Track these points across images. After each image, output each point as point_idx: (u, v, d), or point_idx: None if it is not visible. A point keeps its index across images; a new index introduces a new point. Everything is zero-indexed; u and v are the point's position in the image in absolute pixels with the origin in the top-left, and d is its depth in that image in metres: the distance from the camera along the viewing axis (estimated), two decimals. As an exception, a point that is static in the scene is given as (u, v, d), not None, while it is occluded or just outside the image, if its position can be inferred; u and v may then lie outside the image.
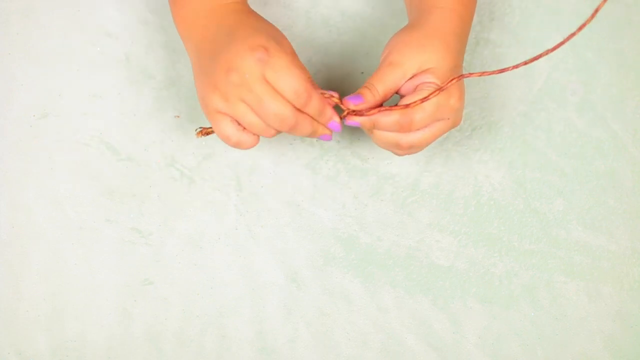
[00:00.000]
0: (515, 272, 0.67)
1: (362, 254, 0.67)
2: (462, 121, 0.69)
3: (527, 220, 0.68)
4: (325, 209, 0.68)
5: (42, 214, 0.67)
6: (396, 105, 0.60)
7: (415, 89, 0.60)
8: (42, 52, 0.69)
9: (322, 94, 0.59)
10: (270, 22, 0.61)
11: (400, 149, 0.62)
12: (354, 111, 0.60)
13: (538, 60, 0.70)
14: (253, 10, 0.62)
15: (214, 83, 0.58)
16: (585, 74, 0.71)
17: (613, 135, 0.70)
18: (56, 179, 0.67)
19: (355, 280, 0.67)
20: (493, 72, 0.60)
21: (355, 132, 0.69)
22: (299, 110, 0.58)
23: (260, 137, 0.59)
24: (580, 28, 0.59)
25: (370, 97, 0.60)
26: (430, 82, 0.59)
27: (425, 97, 0.59)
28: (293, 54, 0.59)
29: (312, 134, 0.60)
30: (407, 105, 0.59)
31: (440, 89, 0.59)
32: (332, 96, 0.60)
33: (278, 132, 0.59)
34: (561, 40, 0.71)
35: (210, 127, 0.61)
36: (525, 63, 0.60)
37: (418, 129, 0.60)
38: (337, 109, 0.60)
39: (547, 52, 0.60)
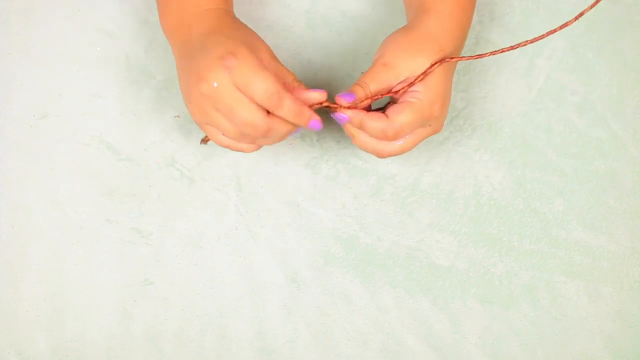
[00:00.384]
0: (515, 272, 0.67)
1: (362, 254, 0.67)
2: (462, 121, 0.69)
3: (527, 220, 0.68)
4: (325, 209, 0.68)
5: (42, 214, 0.67)
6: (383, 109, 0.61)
7: (404, 93, 0.61)
8: (42, 52, 0.69)
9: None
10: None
11: (380, 156, 0.63)
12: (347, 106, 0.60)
13: (538, 60, 0.71)
14: (233, 16, 0.62)
15: (188, 95, 0.58)
16: (585, 74, 0.71)
17: (613, 135, 0.70)
18: (56, 179, 0.67)
19: (355, 280, 0.67)
20: (471, 57, 0.61)
21: (355, 132, 0.69)
22: (273, 115, 0.57)
23: None
24: (561, 27, 0.59)
25: (362, 94, 0.60)
26: (417, 92, 0.60)
27: (411, 83, 0.60)
28: (270, 56, 0.59)
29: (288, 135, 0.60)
30: (383, 110, 0.61)
31: (425, 73, 0.60)
32: (320, 96, 0.60)
33: (257, 144, 0.60)
34: (562, 40, 0.72)
35: None
36: (503, 51, 0.60)
37: (401, 138, 0.61)
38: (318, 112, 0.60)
39: (525, 43, 0.59)
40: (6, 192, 0.67)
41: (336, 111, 0.60)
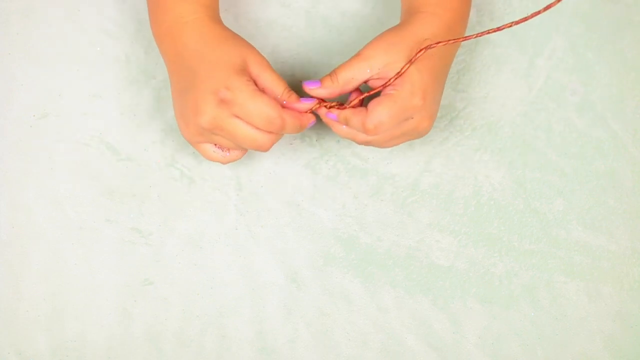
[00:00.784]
0: (515, 272, 0.67)
1: (362, 254, 0.67)
2: (462, 121, 0.69)
3: (527, 220, 0.68)
4: (325, 209, 0.68)
5: (42, 214, 0.67)
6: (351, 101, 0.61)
7: (385, 86, 0.61)
8: (42, 52, 0.69)
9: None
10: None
11: (357, 143, 0.63)
12: (335, 105, 0.61)
13: (538, 60, 0.71)
14: (219, 26, 0.61)
15: (186, 120, 0.60)
16: (585, 74, 0.71)
17: (613, 135, 0.70)
18: (56, 179, 0.67)
19: (355, 280, 0.67)
20: (449, 41, 0.60)
21: (355, 132, 0.69)
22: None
23: None
24: (546, 8, 0.58)
25: (329, 83, 0.61)
26: (395, 84, 0.60)
27: (397, 74, 0.60)
28: (260, 67, 0.59)
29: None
30: (357, 102, 0.61)
31: (410, 62, 0.59)
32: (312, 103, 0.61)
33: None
34: (562, 40, 0.72)
35: None
36: (488, 32, 0.58)
37: (382, 131, 0.60)
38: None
39: (510, 25, 0.58)
40: (6, 192, 0.67)
41: (323, 107, 0.61)
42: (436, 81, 0.61)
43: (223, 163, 0.63)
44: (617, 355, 0.67)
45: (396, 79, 0.60)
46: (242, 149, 0.62)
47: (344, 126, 0.62)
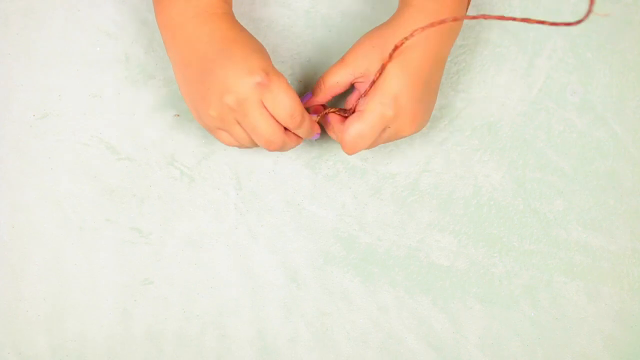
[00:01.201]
0: (515, 272, 0.67)
1: (362, 254, 0.67)
2: (462, 121, 0.69)
3: (527, 220, 0.68)
4: (325, 208, 0.68)
5: (42, 214, 0.67)
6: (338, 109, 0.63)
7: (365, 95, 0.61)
8: (42, 52, 0.69)
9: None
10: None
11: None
12: (337, 111, 0.63)
13: (538, 60, 0.71)
14: (240, 24, 0.61)
15: (207, 102, 0.58)
16: (585, 74, 0.71)
17: (613, 135, 0.70)
18: (56, 179, 0.67)
19: (355, 280, 0.67)
20: (424, 28, 0.57)
21: (355, 132, 0.69)
22: (289, 131, 0.60)
23: None
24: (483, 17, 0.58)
25: (317, 91, 0.62)
26: (368, 96, 0.59)
27: (371, 82, 0.59)
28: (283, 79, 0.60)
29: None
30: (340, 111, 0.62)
31: (390, 57, 0.58)
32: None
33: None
34: (562, 40, 0.72)
35: None
36: (465, 17, 0.55)
37: (361, 147, 0.61)
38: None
39: (486, 17, 0.55)
40: (6, 192, 0.67)
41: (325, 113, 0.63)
42: (418, 82, 0.59)
43: (236, 146, 0.62)
44: (617, 355, 0.67)
45: (375, 81, 0.59)
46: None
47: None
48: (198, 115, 0.60)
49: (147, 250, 0.67)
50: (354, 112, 0.62)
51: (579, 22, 0.54)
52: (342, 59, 0.61)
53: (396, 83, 0.58)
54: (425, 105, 0.61)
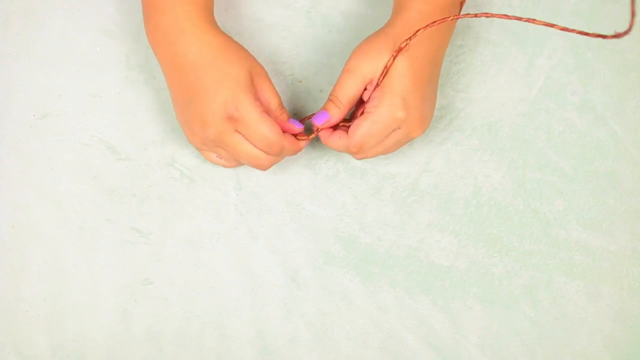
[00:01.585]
0: (515, 272, 0.67)
1: (362, 254, 0.67)
2: (462, 121, 0.69)
3: (527, 220, 0.68)
4: (325, 208, 0.68)
5: (42, 214, 0.67)
6: (348, 121, 0.63)
7: (369, 100, 0.61)
8: (42, 52, 0.69)
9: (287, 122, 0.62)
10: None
11: (356, 159, 0.64)
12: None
13: (538, 60, 0.71)
14: (214, 32, 0.60)
15: (192, 130, 0.61)
16: (585, 74, 0.71)
17: (613, 135, 0.70)
18: (56, 179, 0.67)
19: (355, 280, 0.67)
20: (423, 29, 0.58)
21: (355, 132, 0.69)
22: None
23: None
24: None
25: (335, 110, 0.61)
26: (375, 98, 0.59)
27: (375, 86, 0.60)
28: (261, 77, 0.60)
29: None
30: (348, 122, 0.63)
31: (394, 59, 0.59)
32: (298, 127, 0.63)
33: None
34: (562, 40, 0.72)
35: None
36: (457, 17, 0.58)
37: (367, 149, 0.61)
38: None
39: (471, 15, 0.57)
40: (6, 192, 0.67)
41: (316, 134, 0.63)
42: (422, 82, 0.60)
43: (223, 166, 0.65)
44: (617, 355, 0.67)
45: (379, 84, 0.59)
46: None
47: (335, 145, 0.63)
48: (186, 135, 0.63)
49: (147, 250, 0.67)
50: (348, 121, 0.63)
51: (617, 36, 0.54)
52: (348, 70, 0.60)
53: (403, 84, 0.59)
54: (430, 105, 0.62)
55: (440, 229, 0.68)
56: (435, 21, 0.58)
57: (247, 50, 0.61)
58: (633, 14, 0.52)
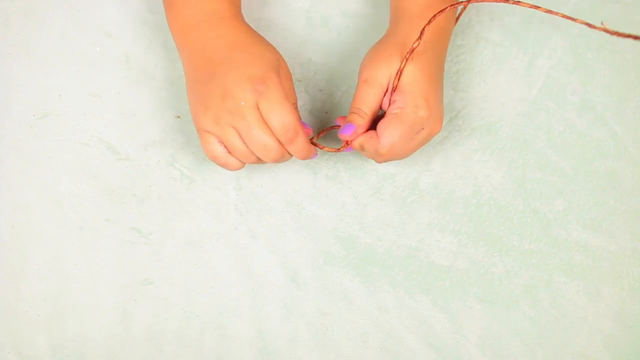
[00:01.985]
0: (515, 272, 0.67)
1: (362, 254, 0.67)
2: (461, 121, 0.69)
3: (527, 220, 0.68)
4: (325, 208, 0.68)
5: (42, 214, 0.67)
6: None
7: (389, 105, 0.61)
8: (42, 52, 0.69)
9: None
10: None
11: (379, 162, 0.64)
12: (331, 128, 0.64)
13: (538, 60, 0.71)
14: (248, 25, 0.63)
15: (207, 104, 0.59)
16: (585, 74, 0.71)
17: (613, 135, 0.70)
18: (56, 179, 0.67)
19: (355, 280, 0.67)
20: (425, 28, 0.60)
21: (355, 132, 0.69)
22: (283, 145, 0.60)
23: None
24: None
25: (360, 121, 0.62)
26: (397, 101, 0.60)
27: (394, 88, 0.60)
28: (286, 76, 0.61)
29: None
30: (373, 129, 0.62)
31: (406, 60, 0.60)
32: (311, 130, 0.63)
33: (259, 161, 0.62)
34: (562, 40, 0.72)
35: None
36: (452, 5, 0.59)
37: (396, 151, 0.61)
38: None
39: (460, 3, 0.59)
40: (6, 192, 0.67)
41: (343, 148, 0.63)
42: (434, 82, 0.61)
43: (219, 163, 0.61)
44: (617, 355, 0.67)
45: (398, 78, 0.60)
46: (240, 162, 0.62)
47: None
48: (196, 119, 0.61)
49: (147, 250, 0.67)
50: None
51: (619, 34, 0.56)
52: (365, 81, 0.61)
53: (421, 85, 0.60)
54: (443, 102, 0.63)
55: (440, 229, 0.68)
56: (437, 13, 0.60)
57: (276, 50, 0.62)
58: None
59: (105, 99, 0.69)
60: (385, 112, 0.62)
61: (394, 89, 0.61)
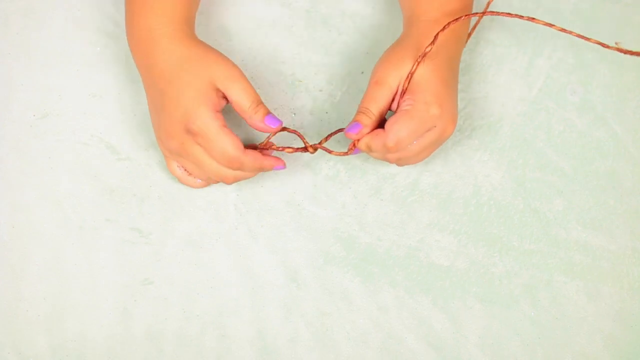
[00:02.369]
0: (515, 272, 0.67)
1: (362, 254, 0.67)
2: (461, 121, 0.69)
3: (527, 220, 0.68)
4: (325, 208, 0.68)
5: (42, 214, 0.67)
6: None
7: (398, 106, 0.62)
8: (42, 52, 0.69)
9: (285, 129, 0.62)
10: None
11: (391, 163, 0.64)
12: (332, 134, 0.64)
13: (538, 60, 0.71)
14: (186, 40, 0.61)
15: (159, 136, 0.63)
16: (585, 74, 0.71)
17: (613, 135, 0.70)
18: (56, 179, 0.67)
19: (355, 280, 0.67)
20: (447, 24, 0.60)
21: (355, 132, 0.69)
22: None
23: None
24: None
25: (367, 120, 0.62)
26: (409, 98, 0.60)
27: (405, 89, 0.61)
28: (231, 78, 0.60)
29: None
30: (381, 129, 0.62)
31: (418, 63, 0.60)
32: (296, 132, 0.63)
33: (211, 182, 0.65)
34: (562, 40, 0.72)
35: None
36: (457, 20, 0.60)
37: (404, 147, 0.61)
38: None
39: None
40: (6, 192, 0.67)
41: (350, 151, 0.63)
42: (448, 83, 0.62)
43: (182, 182, 0.65)
44: (617, 355, 0.67)
45: (409, 81, 0.60)
46: (203, 182, 0.65)
47: (375, 153, 0.63)
48: (156, 137, 0.64)
49: (147, 250, 0.67)
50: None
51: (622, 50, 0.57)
52: (376, 82, 0.61)
53: (433, 85, 0.60)
54: (457, 103, 0.64)
55: (440, 229, 0.68)
56: (450, 22, 0.60)
57: (216, 56, 0.61)
58: None
59: (105, 99, 0.69)
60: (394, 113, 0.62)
61: (403, 91, 0.61)
